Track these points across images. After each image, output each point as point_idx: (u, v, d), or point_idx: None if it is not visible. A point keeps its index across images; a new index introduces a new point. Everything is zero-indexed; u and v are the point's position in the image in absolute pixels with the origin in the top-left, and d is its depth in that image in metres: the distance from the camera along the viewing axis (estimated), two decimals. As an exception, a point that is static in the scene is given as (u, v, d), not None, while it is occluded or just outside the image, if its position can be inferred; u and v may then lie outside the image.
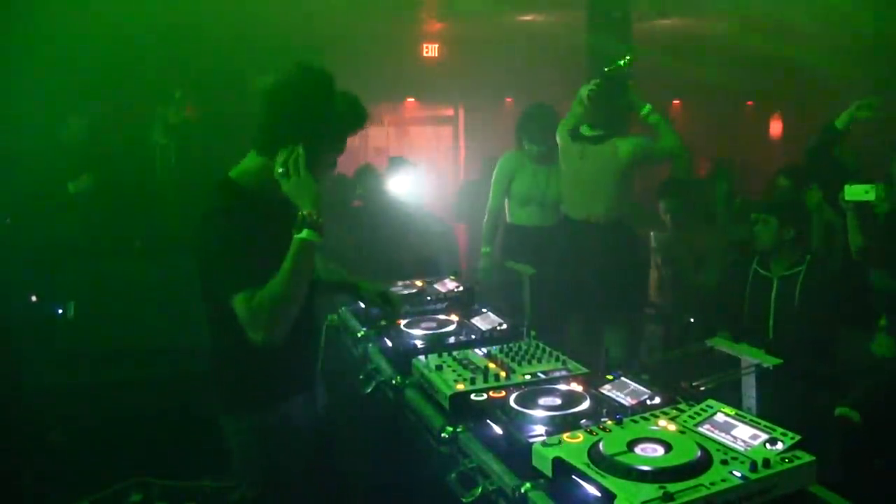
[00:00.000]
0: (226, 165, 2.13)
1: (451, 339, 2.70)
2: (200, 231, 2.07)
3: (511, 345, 2.54)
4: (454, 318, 2.91)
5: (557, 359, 2.40)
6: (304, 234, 1.97)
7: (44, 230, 4.47)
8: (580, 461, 1.62)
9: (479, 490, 1.83)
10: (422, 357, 2.43)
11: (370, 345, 2.82)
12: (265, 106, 2.06)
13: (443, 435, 2.05)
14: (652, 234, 4.77)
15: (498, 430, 1.93)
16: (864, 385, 2.90)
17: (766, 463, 1.56)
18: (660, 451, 1.64)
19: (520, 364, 2.35)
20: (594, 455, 1.64)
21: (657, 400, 1.96)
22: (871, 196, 3.27)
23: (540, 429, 1.84)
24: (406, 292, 3.28)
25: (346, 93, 2.10)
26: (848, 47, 7.44)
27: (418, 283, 3.39)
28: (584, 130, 3.99)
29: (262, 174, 2.07)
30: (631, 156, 3.90)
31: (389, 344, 2.70)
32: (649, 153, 3.92)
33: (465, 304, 3.13)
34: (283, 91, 2.04)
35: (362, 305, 3.01)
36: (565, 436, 1.73)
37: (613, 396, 2.03)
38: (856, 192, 3.29)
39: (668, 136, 3.83)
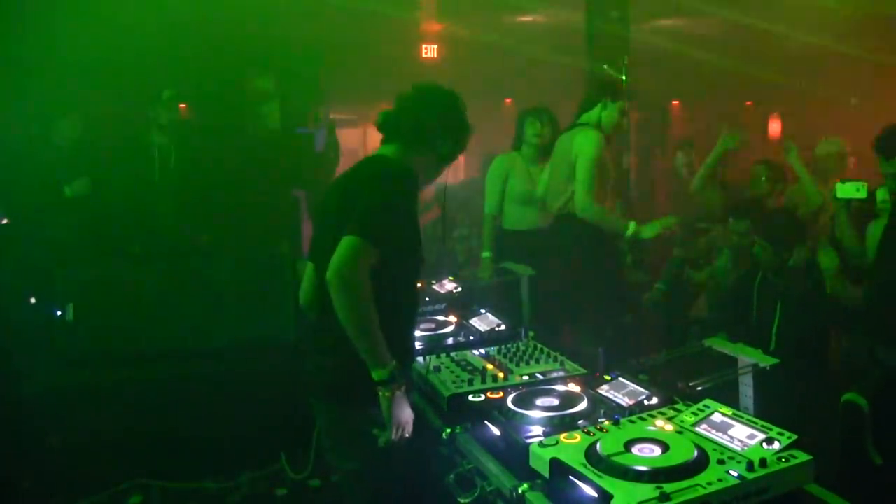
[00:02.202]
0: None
1: (450, 340, 2.71)
2: (369, 186, 2.12)
3: (509, 346, 2.55)
4: (453, 319, 2.91)
5: (555, 359, 2.41)
6: (382, 374, 1.99)
7: (42, 232, 4.46)
8: (577, 462, 1.62)
9: (477, 491, 1.84)
10: (420, 358, 2.43)
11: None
12: (412, 108, 2.30)
13: (441, 436, 2.05)
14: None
15: (496, 431, 1.93)
16: (875, 375, 2.89)
17: (763, 462, 1.56)
18: (657, 451, 1.64)
19: (518, 365, 2.36)
20: (591, 455, 1.64)
21: (654, 400, 1.97)
22: (863, 194, 3.24)
23: (537, 429, 1.84)
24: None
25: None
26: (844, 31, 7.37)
27: (417, 283, 3.39)
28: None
29: (405, 161, 2.26)
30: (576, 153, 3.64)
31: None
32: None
33: (463, 305, 3.14)
34: (431, 99, 2.33)
35: None
36: (563, 436, 1.74)
37: (611, 397, 2.03)
38: (847, 189, 3.28)
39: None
